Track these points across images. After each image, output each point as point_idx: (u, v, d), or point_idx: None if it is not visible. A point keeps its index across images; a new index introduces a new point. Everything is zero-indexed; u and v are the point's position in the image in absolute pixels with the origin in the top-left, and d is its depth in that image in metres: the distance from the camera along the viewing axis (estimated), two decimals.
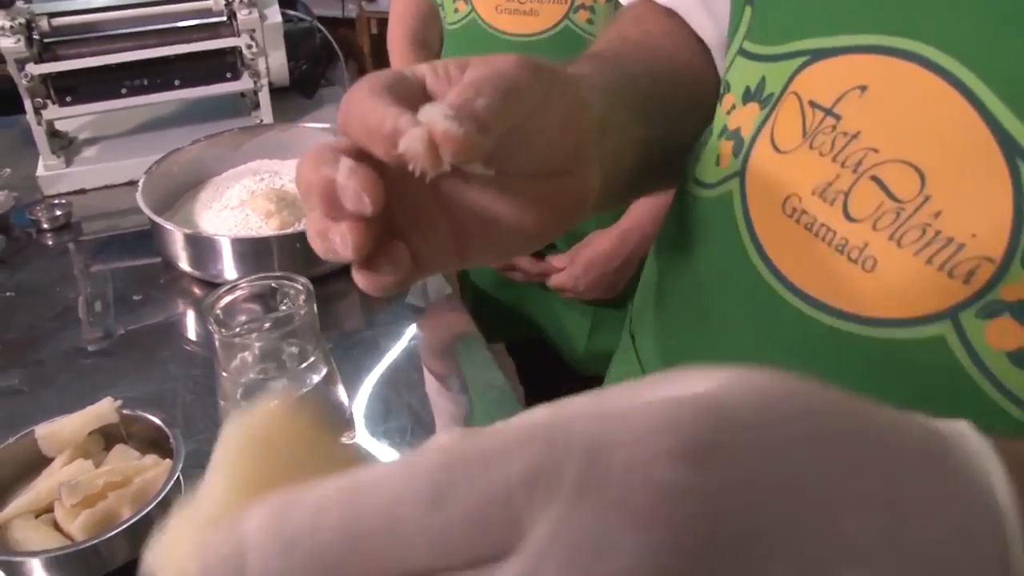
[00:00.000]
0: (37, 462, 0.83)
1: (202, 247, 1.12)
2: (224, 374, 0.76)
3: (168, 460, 0.80)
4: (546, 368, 1.39)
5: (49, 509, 0.79)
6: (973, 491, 0.25)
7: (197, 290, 1.15)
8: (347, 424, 0.81)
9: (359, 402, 0.94)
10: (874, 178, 0.44)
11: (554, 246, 1.32)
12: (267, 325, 0.74)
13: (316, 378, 0.78)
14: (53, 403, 0.88)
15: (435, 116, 0.40)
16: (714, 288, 0.55)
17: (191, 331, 1.09)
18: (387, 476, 0.21)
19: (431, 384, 0.98)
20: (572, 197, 0.50)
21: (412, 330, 1.07)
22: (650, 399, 0.22)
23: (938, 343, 0.41)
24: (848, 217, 0.45)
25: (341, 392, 0.81)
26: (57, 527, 0.77)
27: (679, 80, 0.64)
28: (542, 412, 0.23)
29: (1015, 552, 0.24)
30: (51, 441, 0.83)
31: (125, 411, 0.85)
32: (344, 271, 1.11)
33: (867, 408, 0.26)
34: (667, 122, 0.61)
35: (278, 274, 0.79)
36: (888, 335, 0.43)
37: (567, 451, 0.21)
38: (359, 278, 0.47)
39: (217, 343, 0.75)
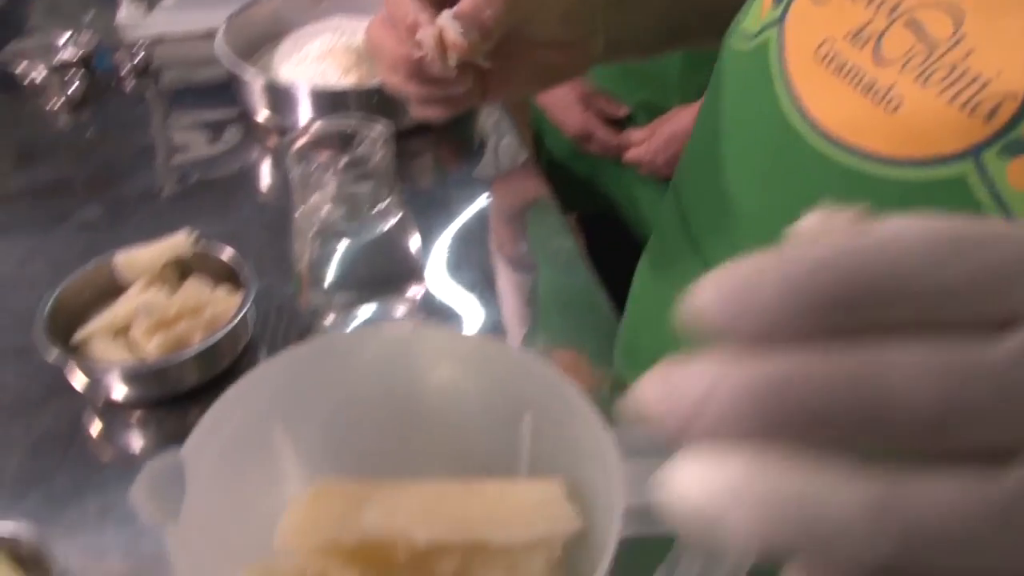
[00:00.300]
0: (115, 289, 0.85)
1: (280, 96, 1.12)
2: (298, 214, 0.77)
3: (239, 293, 0.82)
4: (615, 244, 1.38)
5: (126, 331, 0.81)
6: None
7: (273, 141, 1.15)
8: (418, 273, 0.81)
9: (429, 253, 0.95)
10: (910, 21, 0.44)
11: (633, 119, 1.30)
12: (343, 163, 0.74)
13: (389, 223, 0.78)
14: (130, 237, 0.90)
15: (446, 24, 0.51)
16: (743, 132, 0.56)
17: (265, 181, 1.10)
18: (893, 236, 0.21)
19: (498, 246, 0.98)
20: (574, 62, 0.63)
21: (486, 193, 1.06)
22: None
23: (959, 184, 0.41)
24: (878, 59, 0.45)
25: (413, 240, 0.81)
26: (133, 348, 0.80)
27: None
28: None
29: None
30: (129, 268, 0.85)
31: (199, 245, 0.86)
32: (419, 130, 1.11)
33: None
34: None
35: (356, 116, 0.79)
36: (910, 176, 0.43)
37: None
38: (420, 111, 0.63)
39: (293, 181, 0.76)
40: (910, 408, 0.19)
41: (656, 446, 0.33)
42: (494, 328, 0.85)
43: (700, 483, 0.20)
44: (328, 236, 0.77)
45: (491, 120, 1.19)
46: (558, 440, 0.38)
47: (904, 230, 0.20)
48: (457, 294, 0.89)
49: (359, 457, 0.40)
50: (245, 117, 1.19)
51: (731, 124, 0.59)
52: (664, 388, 0.21)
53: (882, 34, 0.45)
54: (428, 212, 1.02)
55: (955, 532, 0.18)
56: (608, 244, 1.42)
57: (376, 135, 0.77)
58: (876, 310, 0.20)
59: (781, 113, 0.51)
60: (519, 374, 0.38)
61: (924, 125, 0.43)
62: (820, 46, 0.49)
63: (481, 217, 1.02)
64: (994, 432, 0.19)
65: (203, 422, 0.34)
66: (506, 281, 0.93)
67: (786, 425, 0.19)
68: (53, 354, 0.76)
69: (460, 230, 1.00)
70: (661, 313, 0.70)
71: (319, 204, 0.77)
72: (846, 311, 0.20)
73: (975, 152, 0.41)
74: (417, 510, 0.36)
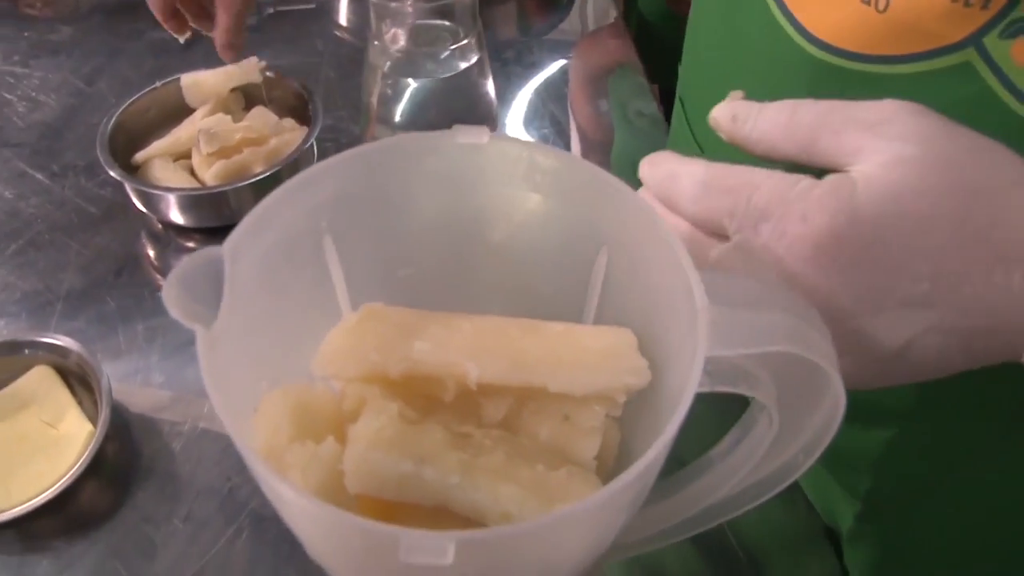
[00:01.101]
0: (180, 111, 0.82)
1: None
2: (375, 43, 0.72)
3: (304, 126, 0.79)
4: None
5: (187, 156, 0.79)
6: None
7: None
8: (492, 119, 0.77)
9: (504, 103, 0.90)
10: None
11: None
12: None
13: (465, 64, 0.74)
14: (200, 62, 0.87)
15: None
16: (737, 43, 0.54)
17: (343, 16, 1.06)
18: (683, 180, 0.36)
19: (577, 102, 0.93)
20: None
21: (568, 51, 1.01)
22: (814, 193, 0.33)
23: (964, 69, 0.41)
24: None
25: (489, 85, 0.77)
26: (192, 173, 0.78)
27: None
28: (752, 174, 0.35)
29: None
30: (195, 91, 0.82)
31: (268, 74, 0.83)
32: None
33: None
34: None
35: None
36: (912, 70, 0.43)
37: (750, 207, 0.34)
38: None
39: (372, 8, 0.71)
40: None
41: (745, 295, 0.29)
42: None
43: None
44: (401, 72, 0.73)
45: None
46: (634, 283, 0.34)
47: (683, 173, 0.36)
48: None
49: (412, 283, 0.37)
50: None
51: (724, 35, 0.56)
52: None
53: None
54: (507, 63, 0.97)
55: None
56: None
57: None
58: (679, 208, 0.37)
59: (773, 22, 0.48)
60: (603, 201, 0.34)
61: (918, 20, 0.42)
62: None
63: (563, 72, 0.97)
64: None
65: (248, 220, 0.31)
66: (578, 147, 0.88)
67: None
68: (112, 172, 0.74)
69: (538, 82, 0.95)
70: None
71: (395, 37, 0.72)
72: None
73: (975, 39, 0.40)
74: (472, 345, 0.33)
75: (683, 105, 0.66)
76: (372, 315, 0.34)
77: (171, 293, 0.28)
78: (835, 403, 0.31)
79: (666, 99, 1.46)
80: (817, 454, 0.33)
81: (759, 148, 0.37)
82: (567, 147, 0.86)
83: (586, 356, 0.33)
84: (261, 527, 0.59)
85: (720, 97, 0.59)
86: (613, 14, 1.06)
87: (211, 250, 0.29)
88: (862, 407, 0.52)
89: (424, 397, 0.34)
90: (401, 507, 0.31)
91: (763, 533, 0.59)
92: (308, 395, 0.33)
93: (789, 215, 0.33)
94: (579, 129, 0.90)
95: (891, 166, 0.33)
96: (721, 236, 0.35)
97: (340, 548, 0.29)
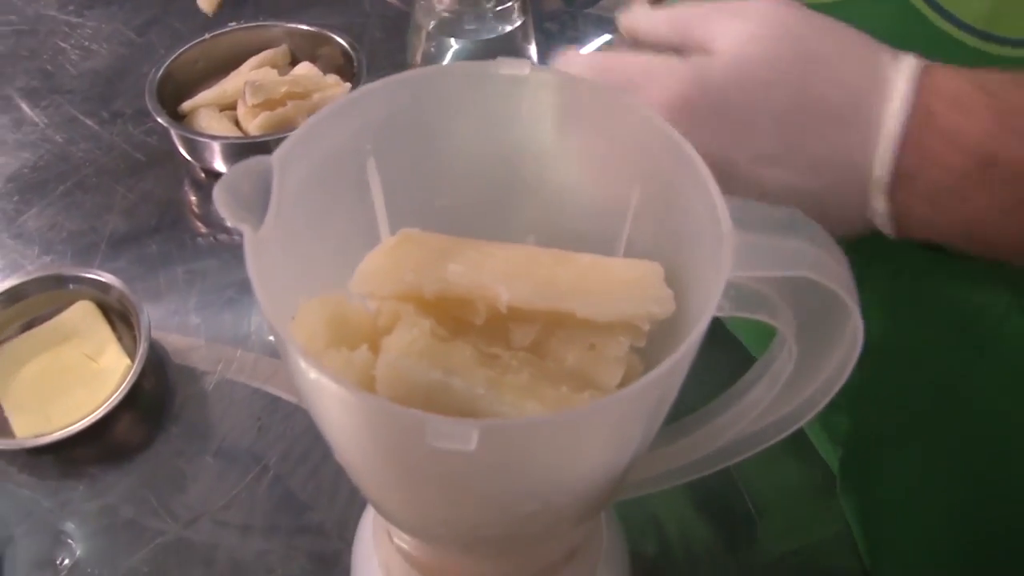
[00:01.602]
0: (228, 63, 0.84)
1: None
2: (421, 2, 0.74)
3: (348, 83, 0.80)
4: None
5: (233, 107, 0.81)
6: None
7: None
8: None
9: None
10: None
11: None
12: None
13: (509, 27, 0.75)
14: (249, 15, 0.88)
15: None
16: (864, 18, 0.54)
17: None
18: (585, 69, 0.42)
19: None
20: None
21: (612, 26, 1.01)
22: (672, 65, 0.39)
23: None
24: None
25: (532, 51, 0.78)
26: (237, 124, 0.79)
27: None
28: (635, 56, 0.40)
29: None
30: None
31: (315, 28, 0.84)
32: None
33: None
34: None
35: None
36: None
37: (629, 83, 0.39)
38: None
39: None
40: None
41: (771, 223, 0.30)
42: None
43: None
44: (445, 32, 0.74)
45: None
46: (663, 214, 0.35)
47: (585, 63, 0.42)
48: None
49: (449, 214, 0.38)
50: None
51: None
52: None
53: None
54: (550, 35, 0.98)
55: None
56: None
57: None
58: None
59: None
60: (636, 132, 0.35)
61: None
62: None
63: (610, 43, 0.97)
64: None
65: (298, 133, 0.32)
66: None
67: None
68: (160, 119, 0.76)
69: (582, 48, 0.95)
70: None
71: None
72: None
73: None
74: (504, 270, 0.34)
75: None
76: (409, 239, 0.35)
77: (222, 193, 0.29)
78: (854, 337, 0.32)
79: None
80: (834, 391, 0.34)
81: (649, 39, 0.42)
82: None
83: (613, 285, 0.34)
84: (287, 466, 0.61)
85: None
86: None
87: (261, 159, 0.30)
88: None
89: (455, 319, 0.35)
90: None
91: (774, 487, 0.59)
92: (345, 307, 0.34)
93: (652, 85, 0.38)
94: None
95: (744, 42, 0.38)
96: None
97: (369, 439, 0.30)
